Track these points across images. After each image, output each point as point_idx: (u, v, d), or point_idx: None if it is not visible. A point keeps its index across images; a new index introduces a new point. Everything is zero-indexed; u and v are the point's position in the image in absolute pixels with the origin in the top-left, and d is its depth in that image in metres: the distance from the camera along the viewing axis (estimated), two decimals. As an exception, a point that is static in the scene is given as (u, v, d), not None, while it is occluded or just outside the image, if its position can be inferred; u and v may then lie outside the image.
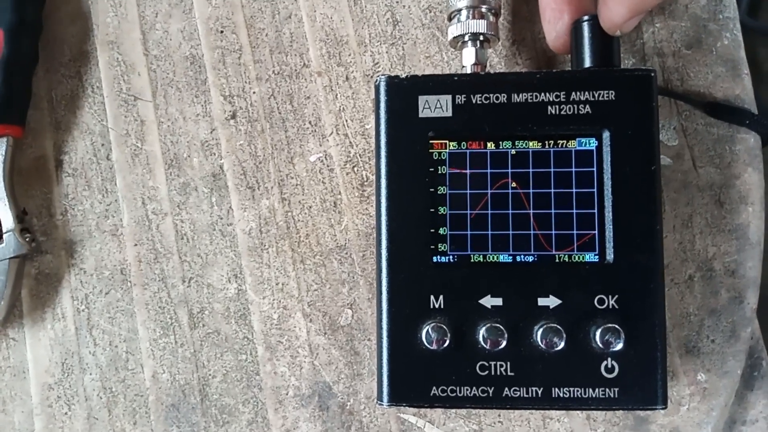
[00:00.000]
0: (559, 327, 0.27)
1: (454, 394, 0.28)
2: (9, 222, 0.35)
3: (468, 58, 0.30)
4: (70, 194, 0.36)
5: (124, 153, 0.36)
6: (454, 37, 0.31)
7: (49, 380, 0.35)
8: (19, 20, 0.35)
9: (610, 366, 0.27)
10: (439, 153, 0.29)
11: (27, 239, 0.35)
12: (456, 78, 0.28)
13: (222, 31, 0.36)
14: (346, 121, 0.35)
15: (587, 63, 0.29)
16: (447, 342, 0.27)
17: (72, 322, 0.35)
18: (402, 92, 0.29)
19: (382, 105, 0.29)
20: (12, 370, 0.35)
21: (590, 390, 0.27)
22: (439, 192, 0.29)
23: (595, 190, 0.28)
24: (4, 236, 0.35)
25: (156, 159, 0.36)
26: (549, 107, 0.28)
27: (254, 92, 0.35)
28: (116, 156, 0.36)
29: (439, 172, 0.29)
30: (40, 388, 0.35)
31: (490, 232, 0.28)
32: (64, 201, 0.36)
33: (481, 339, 0.27)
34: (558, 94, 0.28)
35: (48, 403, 0.35)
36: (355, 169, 0.35)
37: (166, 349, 0.35)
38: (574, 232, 0.28)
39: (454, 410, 0.33)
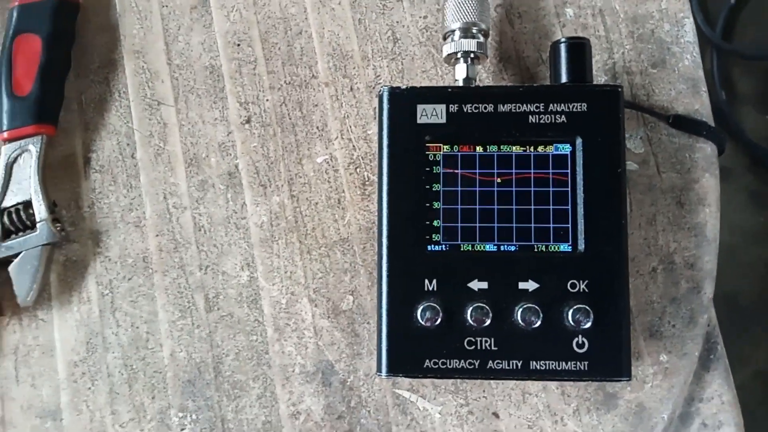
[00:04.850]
0: (536, 308, 0.31)
1: (445, 366, 0.31)
2: (42, 212, 0.38)
3: (460, 73, 0.34)
4: (97, 189, 0.40)
5: (148, 152, 0.40)
6: (448, 54, 0.35)
7: (75, 358, 0.38)
8: (54, 30, 0.39)
9: (580, 342, 0.31)
10: (434, 155, 0.33)
11: (57, 228, 0.38)
12: (450, 90, 0.33)
13: (239, 44, 0.40)
14: (350, 127, 0.39)
15: (563, 79, 0.33)
16: (439, 320, 0.31)
17: (96, 305, 0.39)
18: (402, 101, 0.33)
19: (385, 112, 0.33)
20: (41, 348, 0.39)
21: (563, 363, 0.31)
22: (433, 189, 0.32)
23: (569, 189, 0.32)
24: (37, 225, 0.38)
25: (177, 158, 0.39)
26: (530, 116, 0.32)
27: (267, 100, 0.39)
28: (140, 155, 0.40)
29: (434, 171, 0.33)
30: (66, 365, 0.38)
31: (478, 225, 0.32)
32: (91, 195, 0.40)
33: (468, 318, 0.31)
34: (538, 105, 0.32)
35: (73, 378, 0.38)
36: (358, 170, 0.39)
37: (183, 330, 0.38)
38: (551, 225, 0.32)
39: (443, 386, 0.37)
